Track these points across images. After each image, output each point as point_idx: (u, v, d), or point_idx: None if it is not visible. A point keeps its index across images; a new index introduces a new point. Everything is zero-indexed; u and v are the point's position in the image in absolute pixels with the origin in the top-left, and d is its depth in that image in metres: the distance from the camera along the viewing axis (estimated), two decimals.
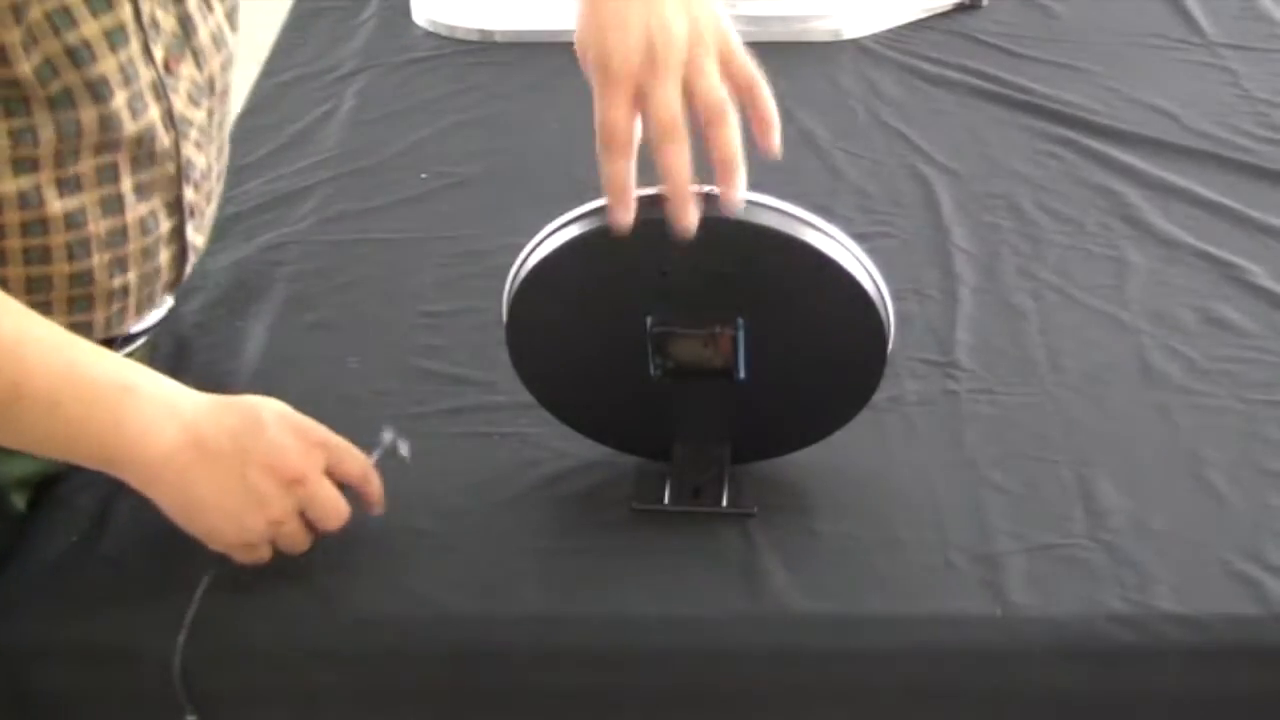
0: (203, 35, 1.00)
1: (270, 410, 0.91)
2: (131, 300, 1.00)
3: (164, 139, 0.97)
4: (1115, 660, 0.90)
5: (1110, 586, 0.92)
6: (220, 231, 1.25)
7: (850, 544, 0.96)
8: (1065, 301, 1.18)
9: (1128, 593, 0.92)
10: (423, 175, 1.35)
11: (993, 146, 1.39)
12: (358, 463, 0.93)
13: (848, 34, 1.58)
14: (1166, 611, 0.91)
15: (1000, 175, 1.34)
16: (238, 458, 0.88)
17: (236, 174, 1.34)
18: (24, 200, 0.91)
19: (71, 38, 0.89)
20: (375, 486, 0.94)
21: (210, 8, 1.01)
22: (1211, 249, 1.23)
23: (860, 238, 0.93)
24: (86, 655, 0.90)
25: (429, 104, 1.47)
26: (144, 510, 0.97)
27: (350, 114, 1.45)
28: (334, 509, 0.91)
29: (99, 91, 0.91)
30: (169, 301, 1.08)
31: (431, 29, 1.61)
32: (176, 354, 1.12)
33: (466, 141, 1.39)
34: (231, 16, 1.04)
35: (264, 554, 0.91)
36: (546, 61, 1.51)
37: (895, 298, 1.00)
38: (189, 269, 1.05)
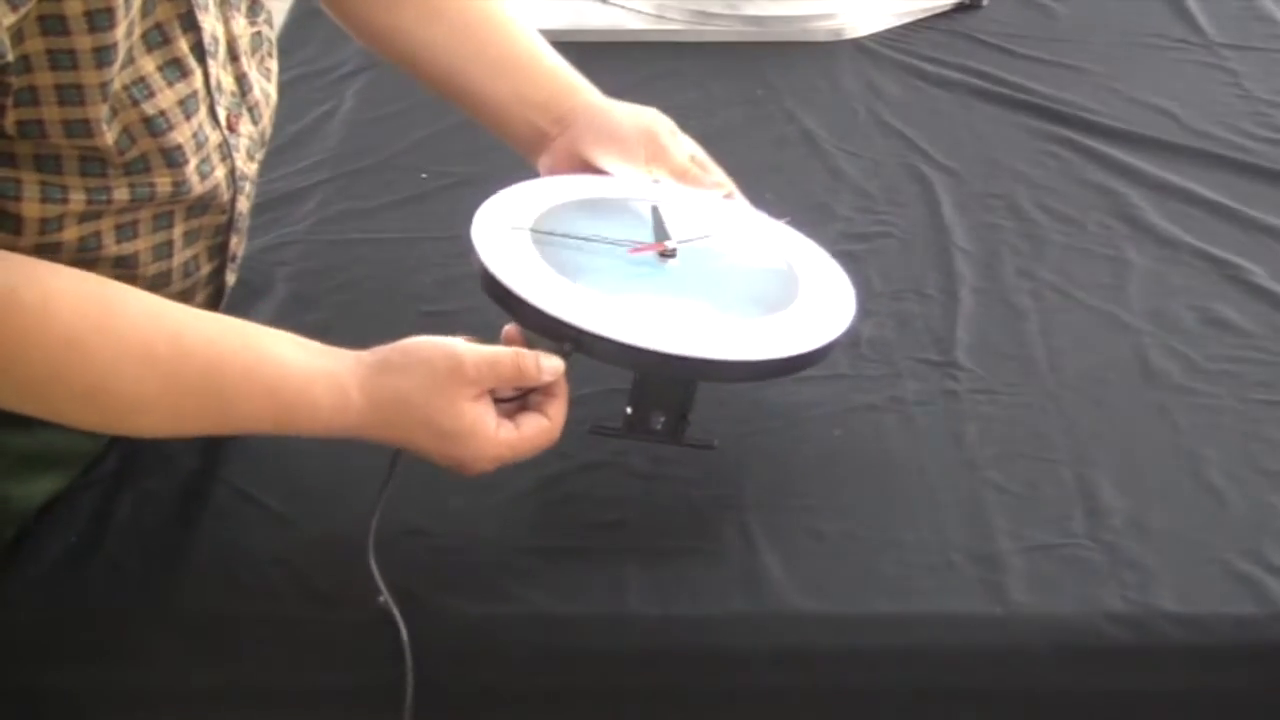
0: (256, 91, 1.02)
1: (438, 392, 0.92)
2: None
3: (224, 195, 0.99)
4: (1115, 660, 0.90)
5: (1110, 586, 0.92)
6: None
7: (850, 544, 0.96)
8: (1065, 301, 1.18)
9: (1128, 593, 0.92)
10: (423, 175, 1.35)
11: (993, 146, 1.39)
12: (532, 366, 0.92)
13: (848, 34, 1.58)
14: (1166, 611, 0.91)
15: (1000, 175, 1.34)
16: (426, 443, 0.91)
17: None
18: (83, 244, 0.92)
19: (149, 108, 0.90)
20: (559, 390, 0.93)
21: (251, 64, 1.02)
22: (1211, 249, 1.23)
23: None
24: (86, 655, 0.90)
25: (429, 104, 1.46)
26: (144, 510, 0.98)
27: (350, 114, 1.45)
28: (538, 430, 0.92)
29: (173, 159, 0.92)
30: None
31: None
32: None
33: (466, 141, 1.39)
34: (262, 68, 1.06)
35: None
36: None
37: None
38: (220, 309, 1.06)
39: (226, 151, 0.98)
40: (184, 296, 0.99)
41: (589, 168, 1.10)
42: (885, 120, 1.43)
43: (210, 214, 0.99)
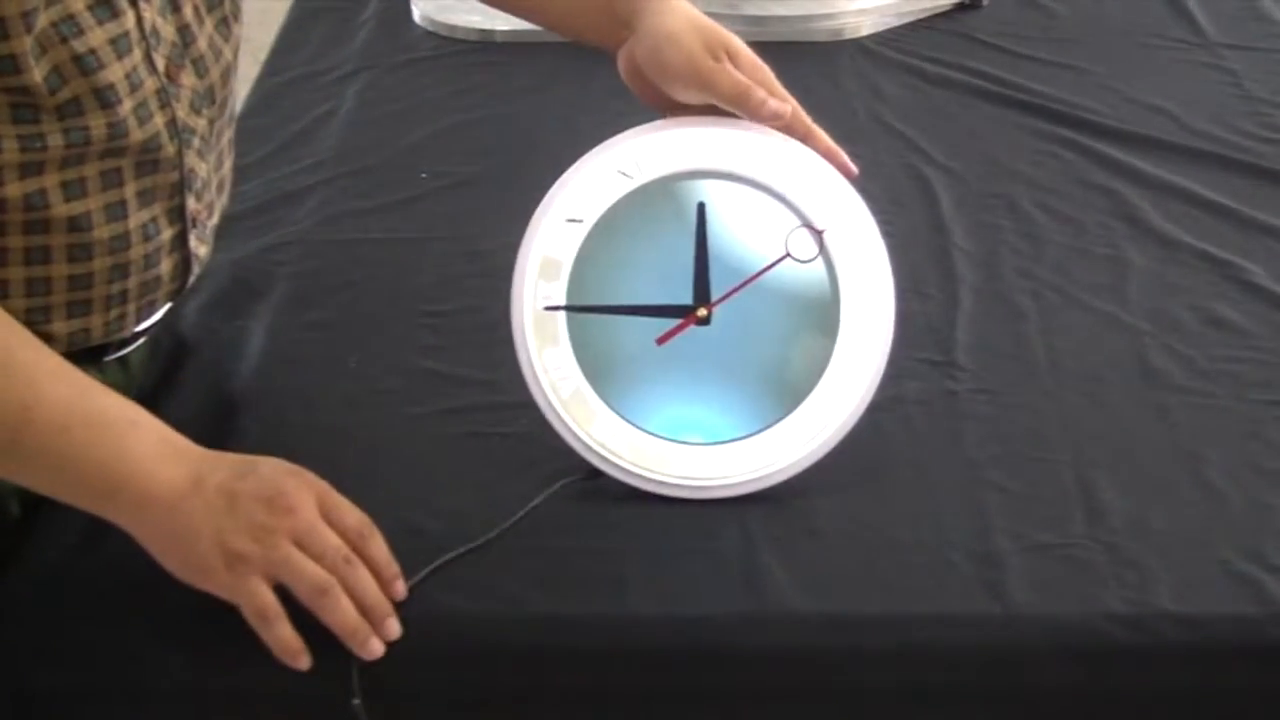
0: (202, 44, 1.01)
1: (268, 458, 0.91)
2: (131, 307, 1.00)
3: (168, 147, 0.97)
4: (1115, 660, 0.90)
5: (1110, 586, 0.92)
6: (220, 231, 1.25)
7: (850, 544, 0.96)
8: (1065, 301, 1.18)
9: (1128, 593, 0.92)
10: (423, 175, 1.35)
11: (993, 146, 1.39)
12: (354, 515, 0.91)
13: (848, 34, 1.58)
14: (1166, 611, 0.91)
15: (1000, 175, 1.34)
16: (232, 493, 0.88)
17: (236, 174, 1.34)
18: (29, 202, 0.91)
19: (79, 45, 0.89)
20: (377, 544, 0.91)
21: (202, 19, 1.01)
22: (1211, 249, 1.23)
23: None
24: (86, 655, 0.90)
25: (429, 104, 1.47)
26: None
27: (350, 114, 1.45)
28: (329, 544, 0.88)
29: (106, 99, 0.91)
30: (169, 302, 1.08)
31: (431, 29, 1.61)
32: (177, 354, 1.12)
33: (466, 141, 1.39)
34: (220, 29, 1.04)
35: (259, 592, 0.87)
36: (546, 61, 1.51)
37: (896, 298, 1.00)
38: (192, 279, 1.05)
39: (165, 100, 0.96)
40: (145, 263, 0.98)
41: (649, 84, 1.06)
42: (885, 120, 1.43)
43: (161, 171, 0.98)
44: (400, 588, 0.91)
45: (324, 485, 0.91)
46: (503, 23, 1.59)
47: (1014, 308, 1.17)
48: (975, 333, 1.14)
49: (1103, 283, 1.20)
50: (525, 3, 1.20)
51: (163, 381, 1.09)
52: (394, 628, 0.89)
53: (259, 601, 0.87)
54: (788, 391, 0.99)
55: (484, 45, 1.58)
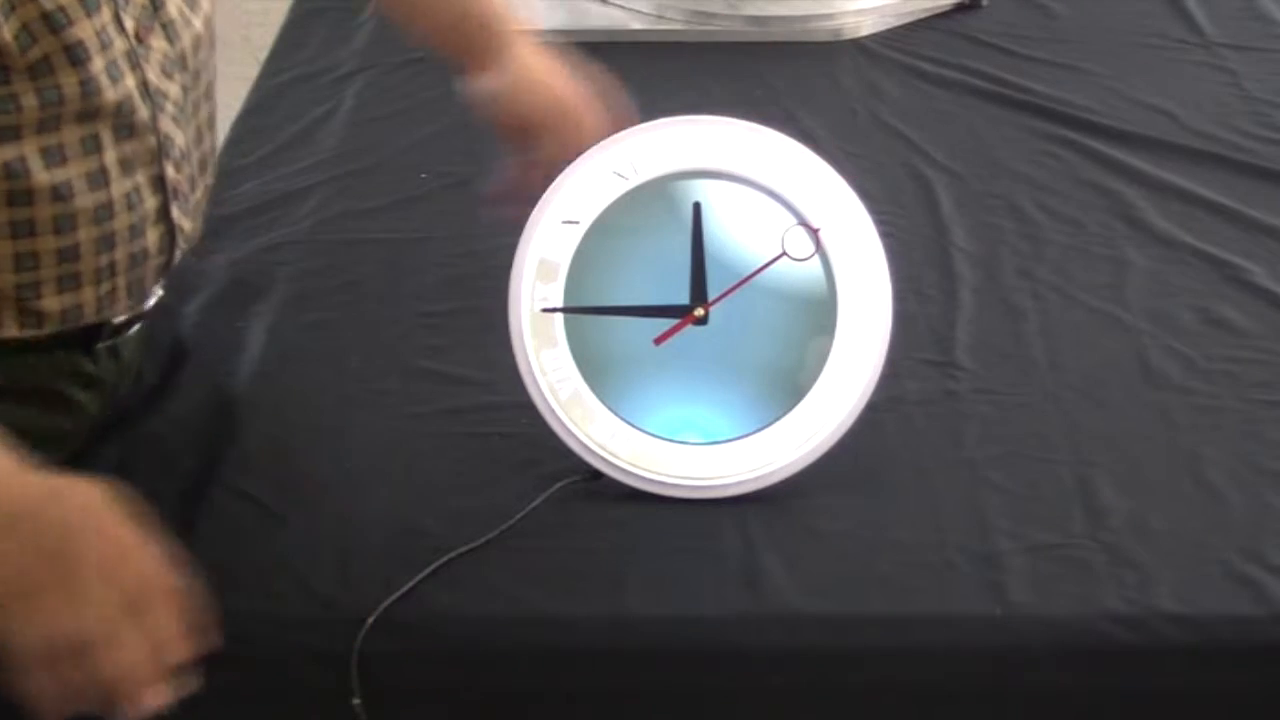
0: (171, 10, 1.01)
1: (84, 490, 0.83)
2: (120, 281, 1.00)
3: (141, 110, 0.97)
4: (1115, 660, 0.90)
5: (1110, 586, 0.92)
6: (220, 231, 1.25)
7: (850, 544, 0.96)
8: (1065, 301, 1.18)
9: (1128, 593, 0.92)
10: (423, 175, 1.35)
11: (993, 146, 1.39)
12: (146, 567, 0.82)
13: (848, 34, 1.58)
14: (1166, 611, 0.91)
15: (1000, 175, 1.34)
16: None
17: (236, 174, 1.34)
18: (9, 171, 0.91)
19: (47, 3, 0.90)
20: (165, 604, 0.82)
21: None
22: (1211, 249, 1.23)
23: None
24: None
25: (429, 104, 1.47)
26: (144, 510, 0.97)
27: (350, 114, 1.45)
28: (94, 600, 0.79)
29: (76, 56, 0.92)
30: (158, 292, 1.08)
31: None
32: (176, 354, 1.12)
33: (466, 141, 1.39)
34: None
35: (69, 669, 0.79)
36: None
37: (895, 298, 1.00)
38: (178, 254, 1.05)
39: (135, 61, 0.97)
40: (131, 233, 0.98)
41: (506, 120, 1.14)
42: (885, 120, 1.43)
43: (137, 136, 0.97)
44: (185, 651, 0.82)
45: (126, 532, 0.83)
46: None
47: (1014, 308, 1.17)
48: (975, 333, 1.14)
49: (1103, 283, 1.20)
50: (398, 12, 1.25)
51: (163, 381, 1.09)
52: (156, 697, 0.81)
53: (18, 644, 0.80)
54: (786, 390, 0.99)
55: None
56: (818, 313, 1.00)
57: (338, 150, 1.39)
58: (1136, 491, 1.00)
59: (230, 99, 1.51)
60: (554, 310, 1.00)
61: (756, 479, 0.99)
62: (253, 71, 1.55)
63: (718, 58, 1.53)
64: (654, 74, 1.48)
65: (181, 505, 0.98)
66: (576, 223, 1.00)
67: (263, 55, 1.58)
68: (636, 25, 1.59)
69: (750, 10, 1.55)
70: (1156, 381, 1.09)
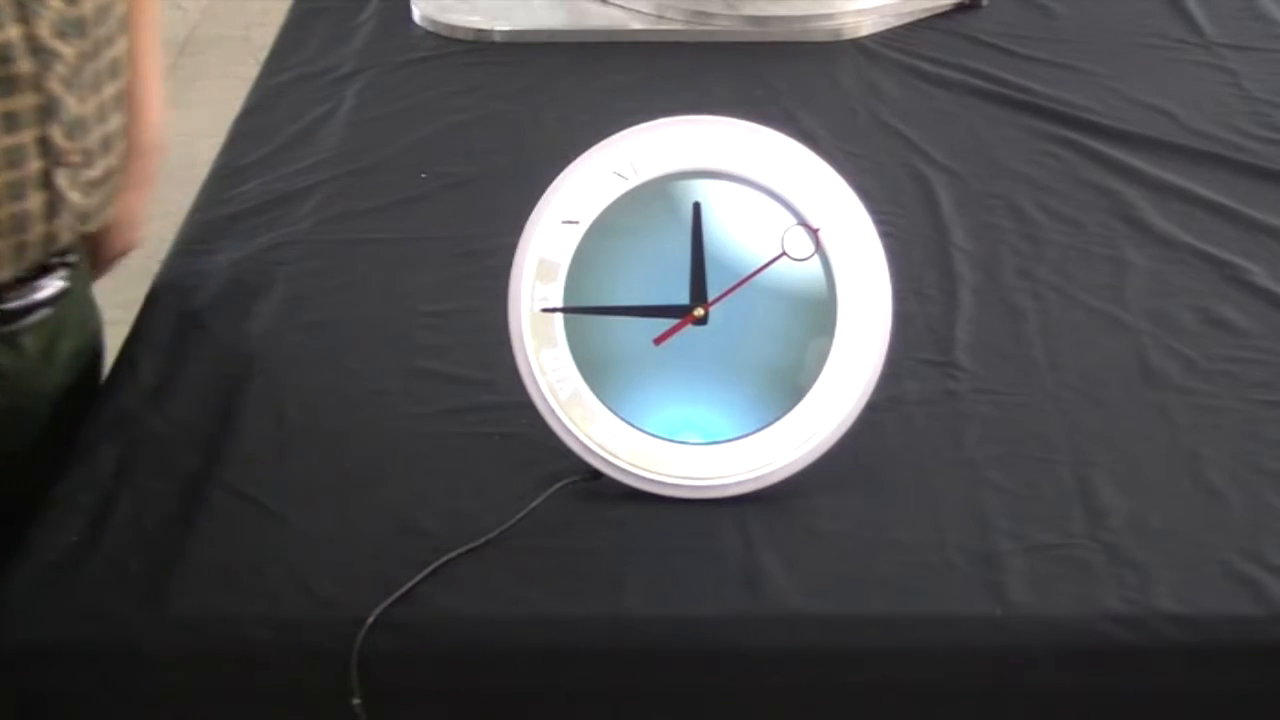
0: None
1: None
2: (3, 244, 0.99)
3: (23, 63, 0.97)
4: (1115, 660, 0.90)
5: (1110, 586, 0.92)
6: (220, 231, 1.25)
7: (850, 544, 0.96)
8: (1065, 301, 1.18)
9: (1128, 593, 0.92)
10: (423, 175, 1.35)
11: (993, 146, 1.39)
12: None
13: (848, 34, 1.58)
14: (1166, 611, 0.91)
15: (1000, 175, 1.34)
16: None
17: (236, 174, 1.34)
18: None
19: None
20: None
21: None
22: (1211, 249, 1.23)
23: None
24: (86, 655, 0.90)
25: (429, 104, 1.47)
26: (144, 510, 0.98)
27: (350, 114, 1.45)
28: None
29: None
30: (60, 282, 1.08)
31: (431, 29, 1.61)
32: (176, 354, 1.12)
33: (466, 141, 1.39)
34: None
35: None
36: (545, 61, 1.51)
37: (895, 298, 1.00)
38: (64, 229, 1.04)
39: (24, 14, 0.96)
40: (9, 191, 0.98)
41: None
42: (885, 120, 1.43)
43: (20, 91, 0.97)
44: None
45: None
46: (502, 23, 1.59)
47: (1014, 308, 1.17)
48: (975, 333, 1.14)
49: (1102, 283, 1.20)
50: None
51: (163, 381, 1.09)
52: None
53: None
54: (786, 390, 0.99)
55: (483, 45, 1.58)
56: (818, 313, 1.00)
57: (338, 150, 1.39)
58: (1136, 491, 1.00)
59: (230, 99, 1.52)
60: (554, 310, 1.00)
61: (756, 479, 0.99)
62: (253, 71, 1.55)
63: (718, 58, 1.53)
64: (654, 74, 1.48)
65: (181, 505, 0.98)
66: (576, 223, 1.00)
67: (263, 55, 1.58)
68: (636, 25, 1.59)
69: (750, 10, 1.55)
70: (1156, 381, 1.09)
